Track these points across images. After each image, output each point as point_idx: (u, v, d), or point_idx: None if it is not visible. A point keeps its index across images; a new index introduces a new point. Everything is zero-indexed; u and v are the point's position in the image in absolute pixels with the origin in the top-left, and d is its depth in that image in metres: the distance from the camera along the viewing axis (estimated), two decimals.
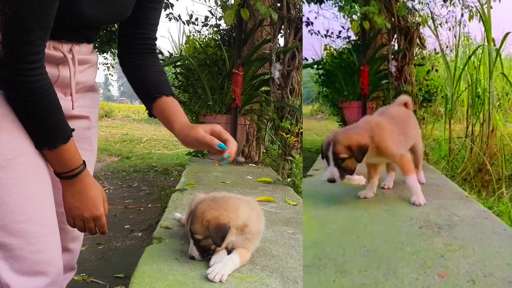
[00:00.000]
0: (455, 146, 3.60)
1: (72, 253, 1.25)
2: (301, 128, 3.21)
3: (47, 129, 0.97)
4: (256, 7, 2.75)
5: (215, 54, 3.81)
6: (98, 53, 5.18)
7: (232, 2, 3.07)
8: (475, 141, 3.34)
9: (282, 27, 3.29)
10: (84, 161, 1.04)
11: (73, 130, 1.01)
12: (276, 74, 3.10)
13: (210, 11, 4.22)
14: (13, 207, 0.94)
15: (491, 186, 3.03)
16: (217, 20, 4.23)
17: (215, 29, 4.20)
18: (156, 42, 1.23)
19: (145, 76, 1.18)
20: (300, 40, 3.27)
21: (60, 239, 1.08)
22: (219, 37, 4.08)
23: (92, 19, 1.01)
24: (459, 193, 2.00)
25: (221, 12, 4.09)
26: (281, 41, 3.49)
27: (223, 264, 1.04)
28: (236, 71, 3.13)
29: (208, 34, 4.38)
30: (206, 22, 4.25)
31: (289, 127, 3.11)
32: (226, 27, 4.03)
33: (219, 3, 3.46)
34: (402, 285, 1.10)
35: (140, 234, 3.17)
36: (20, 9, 0.84)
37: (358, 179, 1.78)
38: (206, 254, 1.10)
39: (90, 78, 1.16)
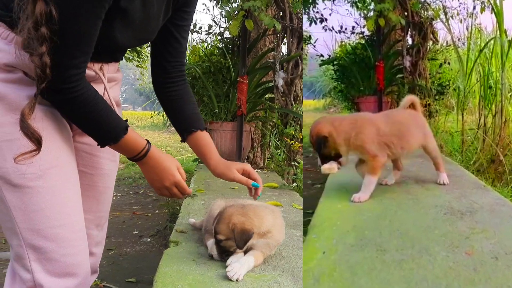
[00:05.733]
0: (468, 137, 3.61)
1: (95, 257, 1.33)
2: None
3: (106, 128, 1.06)
4: (260, 18, 2.84)
5: (219, 62, 3.89)
6: None
7: (236, 12, 3.16)
8: (488, 132, 3.37)
9: (285, 36, 3.38)
10: (147, 141, 1.14)
11: (126, 120, 1.10)
12: (280, 82, 3.19)
13: (213, 20, 4.31)
14: (48, 213, 1.02)
15: (504, 177, 3.08)
16: (220, 28, 4.33)
17: (219, 37, 4.30)
18: (184, 66, 1.33)
19: (180, 109, 1.31)
20: (302, 49, 3.36)
21: None
22: (223, 45, 4.17)
23: (122, 43, 1.10)
24: (477, 182, 2.11)
25: (224, 21, 4.19)
26: (284, 49, 3.59)
27: (240, 265, 1.12)
28: (241, 80, 3.22)
29: (211, 42, 4.47)
30: (209, 31, 4.34)
31: (293, 133, 3.19)
32: (229, 36, 4.12)
33: (223, 13, 3.55)
34: (435, 261, 1.26)
35: (149, 239, 3.24)
36: (68, 37, 0.94)
37: (328, 168, 1.80)
38: (225, 255, 1.18)
39: (116, 94, 1.25)
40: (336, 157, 1.80)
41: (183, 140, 1.34)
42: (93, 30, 0.97)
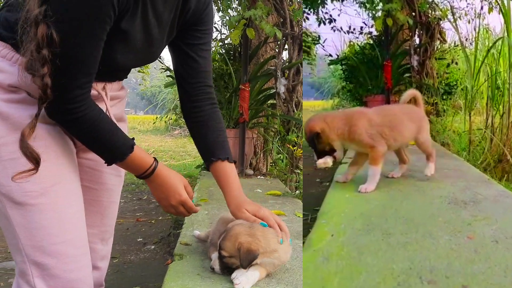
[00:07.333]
0: (475, 137, 3.66)
1: (100, 271, 1.34)
2: None
3: (112, 147, 1.08)
4: (261, 27, 2.85)
5: (221, 68, 3.90)
6: None
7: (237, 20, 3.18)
8: (495, 132, 3.41)
9: (286, 43, 3.40)
10: (155, 158, 1.14)
11: (133, 138, 1.11)
12: (282, 89, 3.20)
13: (214, 26, 4.33)
14: (50, 230, 1.04)
15: (511, 176, 3.14)
16: (222, 35, 4.35)
17: (220, 43, 4.31)
18: (213, 88, 1.30)
19: (204, 136, 1.28)
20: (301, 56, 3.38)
21: (91, 258, 1.18)
22: (224, 51, 4.19)
23: (124, 64, 1.11)
24: (481, 176, 2.20)
25: (226, 28, 4.21)
26: (285, 55, 3.61)
27: (247, 278, 1.14)
28: (243, 87, 3.23)
29: (212, 48, 4.47)
30: None
31: (296, 139, 3.20)
32: (231, 42, 4.14)
33: (224, 21, 3.58)
34: (438, 244, 1.33)
35: (153, 247, 3.24)
36: (70, 59, 0.95)
37: (323, 162, 1.88)
38: (226, 270, 1.19)
39: (119, 111, 1.27)
40: (331, 152, 1.89)
41: (207, 169, 1.30)
42: (95, 52, 0.98)
